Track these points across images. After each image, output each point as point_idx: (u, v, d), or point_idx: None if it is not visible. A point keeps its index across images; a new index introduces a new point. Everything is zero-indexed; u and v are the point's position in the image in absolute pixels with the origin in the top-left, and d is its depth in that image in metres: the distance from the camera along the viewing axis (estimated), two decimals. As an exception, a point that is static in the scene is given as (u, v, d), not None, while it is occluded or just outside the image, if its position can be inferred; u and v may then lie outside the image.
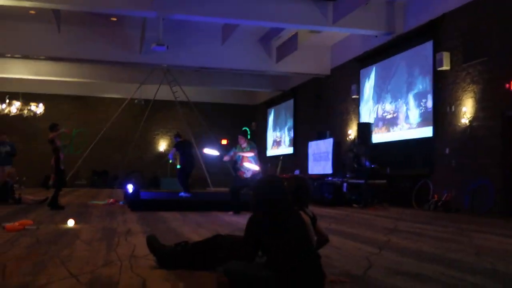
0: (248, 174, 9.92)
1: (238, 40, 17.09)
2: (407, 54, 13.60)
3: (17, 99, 21.90)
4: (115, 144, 24.33)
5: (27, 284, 3.37)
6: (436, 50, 12.29)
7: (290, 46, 16.71)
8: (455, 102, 11.72)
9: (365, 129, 12.90)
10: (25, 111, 21.89)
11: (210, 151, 12.11)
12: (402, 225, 8.20)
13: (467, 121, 11.27)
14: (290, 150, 21.73)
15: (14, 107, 21.51)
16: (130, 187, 12.38)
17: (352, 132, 16.26)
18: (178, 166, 14.00)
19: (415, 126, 13.10)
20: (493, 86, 10.66)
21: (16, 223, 6.56)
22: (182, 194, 13.08)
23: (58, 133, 9.84)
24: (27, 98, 22.38)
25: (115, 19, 16.21)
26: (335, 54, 17.88)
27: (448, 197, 11.55)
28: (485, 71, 10.88)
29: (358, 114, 16.01)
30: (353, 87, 16.22)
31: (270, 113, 24.83)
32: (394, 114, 14.09)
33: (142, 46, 16.58)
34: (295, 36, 16.27)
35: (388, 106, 14.39)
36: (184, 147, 13.52)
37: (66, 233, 6.13)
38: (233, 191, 10.01)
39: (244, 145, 10.04)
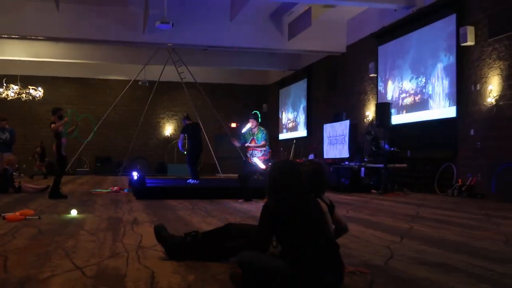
0: (254, 160, 9.98)
1: (247, 16, 16.98)
2: (428, 29, 13.43)
3: (15, 83, 22.03)
4: (119, 129, 24.47)
5: (30, 277, 3.40)
6: (460, 24, 12.13)
7: (303, 22, 16.57)
8: (480, 80, 11.59)
9: (383, 110, 12.81)
10: (24, 95, 22.01)
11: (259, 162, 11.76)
12: (425, 211, 8.16)
13: (493, 100, 11.15)
14: (303, 133, 21.69)
15: (12, 91, 21.65)
16: (135, 174, 12.45)
17: (370, 113, 16.18)
18: (185, 152, 14.02)
19: (437, 106, 12.99)
20: (522, 62, 10.52)
21: (17, 213, 6.61)
22: (190, 181, 13.13)
23: (61, 123, 9.84)
24: (25, 81, 22.50)
25: (116, -5, 16.20)
26: (351, 30, 17.72)
27: (473, 181, 11.49)
28: (513, 46, 10.74)
29: (376, 94, 15.91)
30: (371, 65, 16.09)
31: (282, 94, 24.75)
32: (415, 93, 13.98)
33: (146, 24, 16.53)
34: (308, 12, 16.13)
35: (408, 85, 14.28)
36: (192, 130, 13.53)
37: (69, 223, 6.18)
38: (242, 178, 10.01)
39: (255, 129, 10.04)
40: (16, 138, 13.71)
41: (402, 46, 14.62)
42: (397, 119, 14.41)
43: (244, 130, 10.29)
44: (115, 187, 12.30)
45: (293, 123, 23.23)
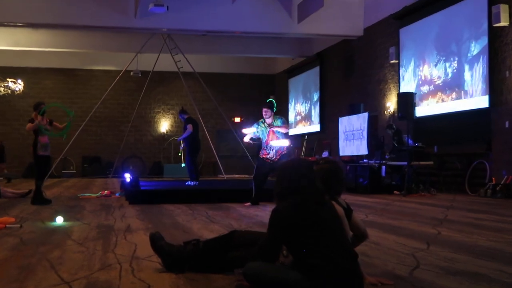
0: (271, 154, 9.75)
1: (251, -4, 17.01)
2: (456, 9, 13.38)
3: (-8, 75, 22.11)
4: (109, 125, 24.53)
5: (12, 292, 3.41)
6: (492, 2, 12.07)
7: (314, 2, 16.53)
8: (516, 65, 11.56)
9: (406, 100, 12.77)
10: (2, 88, 22.07)
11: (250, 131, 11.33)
12: (454, 214, 8.14)
13: (531, 88, 11.11)
14: (316, 128, 21.67)
15: (-12, 85, 21.71)
16: (127, 176, 12.49)
17: (391, 105, 16.15)
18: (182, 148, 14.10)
19: (467, 95, 12.94)
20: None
21: (-3, 221, 6.64)
22: (189, 183, 13.17)
23: (35, 124, 9.80)
24: (3, 73, 22.55)
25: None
26: (369, 11, 17.68)
27: (509, 180, 11.45)
28: (553, 27, 10.69)
29: (398, 83, 15.87)
30: (392, 50, 16.05)
31: (292, 84, 24.74)
32: (442, 81, 13.93)
33: (138, 8, 16.56)
34: (320, -10, 16.11)
35: (434, 72, 14.24)
36: (193, 126, 13.60)
37: (54, 232, 6.20)
38: (257, 178, 9.78)
39: (270, 120, 9.78)
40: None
41: (427, 28, 14.57)
42: (421, 110, 14.37)
43: (255, 126, 9.92)
44: (105, 191, 12.33)
45: (304, 116, 23.22)
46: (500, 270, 4.09)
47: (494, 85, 12.10)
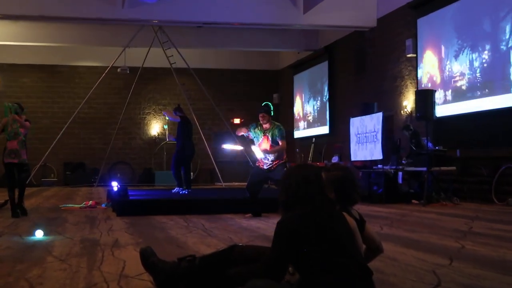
0: (268, 162, 9.75)
1: (252, -16, 17.04)
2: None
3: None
4: (94, 128, 24.53)
5: (-14, 315, 3.41)
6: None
7: (322, -10, 16.58)
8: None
9: (425, 99, 12.75)
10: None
11: (231, 147, 11.74)
12: (479, 226, 8.13)
13: None
14: (325, 130, 21.66)
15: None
16: (115, 185, 12.48)
17: (408, 103, 16.13)
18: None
19: (494, 92, 12.92)
20: None
21: (-31, 236, 6.63)
22: (179, 190, 13.20)
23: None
24: (-24, 70, 22.65)
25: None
26: (383, 0, 17.72)
27: (540, 187, 11.43)
28: None
29: (415, 79, 15.85)
30: (408, 42, 16.03)
31: (297, 81, 24.74)
32: (466, 77, 13.91)
33: (125, -3, 16.59)
34: (328, -23, 16.14)
35: (457, 67, 14.22)
36: (186, 126, 13.61)
37: (34, 248, 6.20)
38: (251, 187, 9.94)
39: (267, 125, 9.77)
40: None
41: (449, 18, 14.56)
42: (442, 109, 14.35)
43: (250, 127, 10.00)
44: (90, 201, 12.32)
45: (312, 117, 23.22)
46: (532, 288, 4.08)
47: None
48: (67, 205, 12.07)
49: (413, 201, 12.71)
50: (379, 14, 17.90)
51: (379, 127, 14.07)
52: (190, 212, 10.10)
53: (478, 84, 13.44)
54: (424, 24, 15.55)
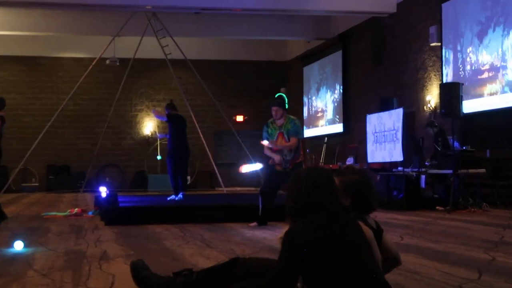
0: (284, 162, 9.58)
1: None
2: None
3: None
4: (80, 126, 24.56)
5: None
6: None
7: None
8: None
9: (451, 93, 12.73)
10: None
11: (251, 168, 11.37)
12: (512, 235, 8.13)
13: None
14: (338, 128, 21.66)
15: None
16: (103, 190, 12.49)
17: (432, 98, 16.12)
18: (159, 157, 14.16)
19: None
20: None
21: None
22: (173, 197, 13.26)
23: None
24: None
25: None
26: (404, -19, 17.72)
27: None
28: None
29: (440, 71, 15.84)
30: (432, 29, 16.02)
31: (307, 73, 24.73)
32: (498, 69, 13.89)
33: (114, -20, 16.62)
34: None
35: (487, 58, 14.20)
36: (178, 124, 13.61)
37: (13, 261, 6.20)
38: (264, 194, 9.73)
39: (281, 121, 9.62)
40: None
41: (477, 2, 14.54)
42: (470, 105, 14.31)
43: (264, 132, 9.77)
44: (76, 209, 12.33)
45: (323, 113, 23.21)
46: None
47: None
48: (50, 213, 12.08)
49: (438, 207, 12.68)
50: (399, -2, 17.93)
51: (399, 124, 14.04)
52: (187, 221, 10.09)
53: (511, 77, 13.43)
54: (449, 9, 15.53)
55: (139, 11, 19.50)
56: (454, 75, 15.19)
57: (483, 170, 12.92)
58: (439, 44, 15.85)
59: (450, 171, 12.61)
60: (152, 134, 25.07)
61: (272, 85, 25.35)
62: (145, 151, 24.86)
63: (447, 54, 15.59)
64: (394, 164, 14.28)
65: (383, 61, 18.81)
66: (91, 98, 24.58)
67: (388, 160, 14.45)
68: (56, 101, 22.90)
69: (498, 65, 13.81)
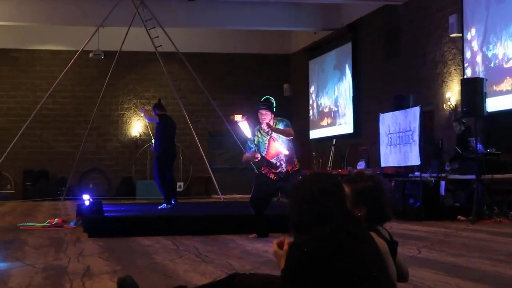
0: (279, 169, 9.70)
1: None
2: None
3: None
4: (60, 127, 24.54)
5: None
6: None
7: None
8: None
9: (473, 89, 12.74)
10: None
11: (246, 128, 11.34)
12: (542, 248, 8.13)
13: None
14: (348, 128, 21.66)
15: None
16: (86, 198, 12.48)
17: (452, 95, 16.12)
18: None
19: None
20: None
21: None
22: (164, 206, 13.32)
23: None
24: None
25: None
26: (420, -35, 17.74)
27: None
28: None
29: (461, 65, 15.84)
30: (452, 19, 16.02)
31: (314, 68, 24.74)
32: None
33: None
34: None
35: (513, 50, 14.21)
36: (167, 125, 13.67)
37: (-14, 277, 6.21)
38: (257, 201, 9.91)
39: (270, 124, 9.76)
40: None
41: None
42: (495, 103, 14.31)
43: (249, 134, 9.97)
44: (56, 219, 12.35)
45: (331, 112, 23.20)
46: None
47: None
48: (27, 224, 12.09)
49: (459, 217, 12.67)
50: (415, -16, 17.95)
51: (415, 125, 14.05)
52: (180, 232, 10.10)
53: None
54: (471, -5, 15.55)
55: (125, -1, 19.54)
56: (477, 69, 15.19)
57: (510, 175, 12.93)
58: (460, 35, 15.84)
59: (473, 177, 12.61)
60: (140, 136, 25.05)
61: (274, 81, 25.30)
62: (133, 154, 24.85)
63: (469, 46, 15.59)
64: (411, 168, 14.28)
65: (397, 54, 18.81)
66: (72, 96, 24.55)
67: (403, 164, 14.46)
68: (33, 99, 22.87)
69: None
